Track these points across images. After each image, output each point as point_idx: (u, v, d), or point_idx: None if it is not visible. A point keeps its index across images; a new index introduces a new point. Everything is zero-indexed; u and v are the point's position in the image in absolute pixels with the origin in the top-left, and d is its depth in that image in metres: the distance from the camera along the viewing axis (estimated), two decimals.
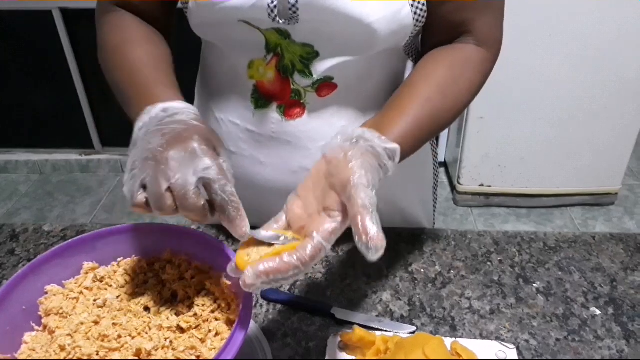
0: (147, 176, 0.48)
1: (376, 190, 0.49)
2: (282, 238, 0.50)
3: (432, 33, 0.67)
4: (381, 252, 0.45)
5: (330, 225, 0.48)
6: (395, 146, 0.55)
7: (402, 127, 0.58)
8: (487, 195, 2.33)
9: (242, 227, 0.49)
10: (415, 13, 0.62)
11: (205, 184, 0.48)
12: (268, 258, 0.46)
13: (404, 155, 0.57)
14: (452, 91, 0.64)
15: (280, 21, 0.62)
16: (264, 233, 0.50)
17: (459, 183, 2.31)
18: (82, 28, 2.40)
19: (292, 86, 0.68)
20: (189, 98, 0.74)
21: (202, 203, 0.48)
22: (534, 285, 0.75)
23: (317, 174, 0.53)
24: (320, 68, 0.66)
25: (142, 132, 0.52)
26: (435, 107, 0.62)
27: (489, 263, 0.79)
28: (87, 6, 2.31)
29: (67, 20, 2.38)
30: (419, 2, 0.62)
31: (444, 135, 2.46)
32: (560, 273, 0.77)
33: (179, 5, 0.70)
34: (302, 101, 0.69)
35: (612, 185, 2.27)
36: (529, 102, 2.04)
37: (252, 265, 0.46)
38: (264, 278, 0.45)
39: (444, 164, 2.57)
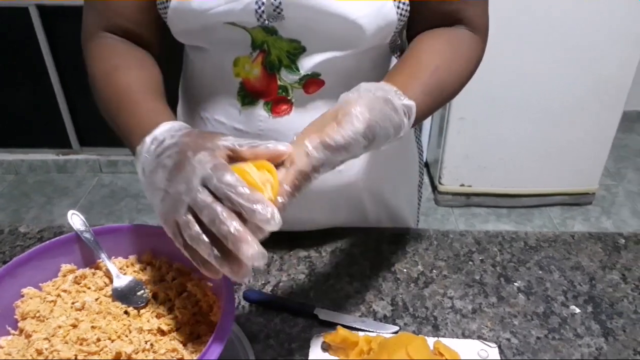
0: (170, 212, 0.46)
1: (387, 141, 0.52)
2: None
3: (423, 24, 0.68)
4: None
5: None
6: (411, 103, 0.55)
7: (414, 90, 0.58)
8: (467, 195, 2.35)
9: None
10: (398, 7, 0.63)
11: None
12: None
13: (416, 119, 0.57)
14: (455, 66, 0.65)
15: (267, 22, 0.62)
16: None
17: (440, 183, 2.33)
18: (60, 25, 2.36)
19: (278, 82, 0.68)
20: (173, 98, 0.73)
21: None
22: (515, 284, 0.76)
23: (324, 115, 0.54)
24: (307, 64, 0.66)
25: (146, 172, 0.51)
26: (441, 78, 0.62)
27: (470, 262, 0.80)
28: (64, 3, 2.26)
29: (44, 17, 2.33)
30: None
31: (425, 135, 2.48)
32: (540, 272, 0.78)
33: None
34: (289, 97, 0.69)
35: (590, 185, 2.31)
36: (509, 103, 2.07)
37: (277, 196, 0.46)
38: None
39: (425, 165, 2.59)
